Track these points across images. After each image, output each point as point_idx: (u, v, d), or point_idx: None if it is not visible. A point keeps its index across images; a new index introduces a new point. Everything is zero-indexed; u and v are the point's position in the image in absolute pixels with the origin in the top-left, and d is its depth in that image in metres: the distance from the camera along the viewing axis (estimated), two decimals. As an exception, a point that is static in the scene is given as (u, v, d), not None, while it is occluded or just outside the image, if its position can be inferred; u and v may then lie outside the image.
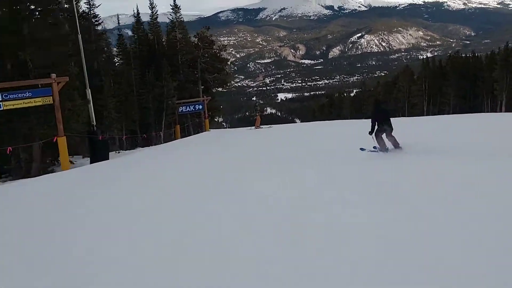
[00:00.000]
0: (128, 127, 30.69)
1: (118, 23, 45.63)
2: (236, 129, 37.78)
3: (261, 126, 27.63)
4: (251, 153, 14.89)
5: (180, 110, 33.65)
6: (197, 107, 34.51)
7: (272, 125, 28.03)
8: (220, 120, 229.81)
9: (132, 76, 31.98)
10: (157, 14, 38.21)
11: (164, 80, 30.12)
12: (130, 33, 40.45)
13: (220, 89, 40.92)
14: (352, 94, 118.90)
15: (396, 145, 11.64)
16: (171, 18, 36.83)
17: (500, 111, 58.00)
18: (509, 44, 58.63)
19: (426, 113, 72.16)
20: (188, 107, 33.98)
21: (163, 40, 37.31)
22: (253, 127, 28.23)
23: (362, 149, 12.02)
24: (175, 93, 30.95)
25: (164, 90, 29.75)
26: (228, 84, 43.26)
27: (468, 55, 74.38)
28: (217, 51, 36.61)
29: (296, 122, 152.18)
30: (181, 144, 23.55)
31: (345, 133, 18.72)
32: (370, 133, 11.68)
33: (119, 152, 23.18)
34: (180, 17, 36.74)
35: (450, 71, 69.10)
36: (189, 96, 35.20)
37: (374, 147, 11.85)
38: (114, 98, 27.67)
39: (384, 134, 11.69)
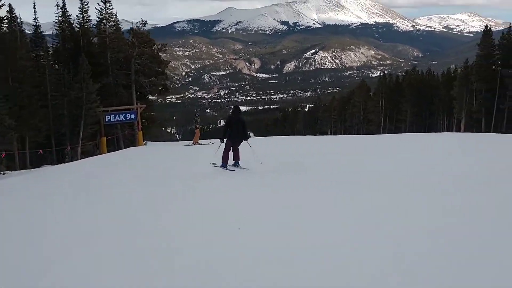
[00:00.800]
0: (34, 139, 24.47)
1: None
2: (174, 143, 32.49)
3: (200, 142, 22.25)
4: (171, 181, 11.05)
5: (106, 119, 27.75)
6: (129, 117, 28.70)
7: (214, 140, 22.65)
8: (173, 131, 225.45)
9: (46, 77, 25.82)
10: (88, 6, 32.08)
11: (83, 81, 23.94)
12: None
13: (155, 97, 34.96)
14: (306, 109, 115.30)
15: (236, 158, 11.47)
16: (98, 9, 30.71)
17: (458, 130, 55.08)
18: (469, 62, 55.96)
19: (382, 130, 68.86)
20: (117, 116, 28.11)
21: (92, 36, 31.05)
22: (190, 142, 22.83)
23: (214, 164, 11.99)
24: (98, 99, 24.77)
25: (83, 94, 23.56)
26: (169, 90, 37.24)
27: (424, 72, 71.91)
28: (156, 51, 30.54)
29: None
30: (95, 162, 17.90)
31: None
32: (221, 140, 11.82)
33: (3, 174, 17.07)
34: (111, 7, 30.61)
35: (407, 88, 66.21)
36: (118, 103, 29.30)
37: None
38: (7, 101, 21.34)
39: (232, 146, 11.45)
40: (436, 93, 65.41)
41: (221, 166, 11.50)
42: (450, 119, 64.41)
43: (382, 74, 73.50)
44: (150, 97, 35.10)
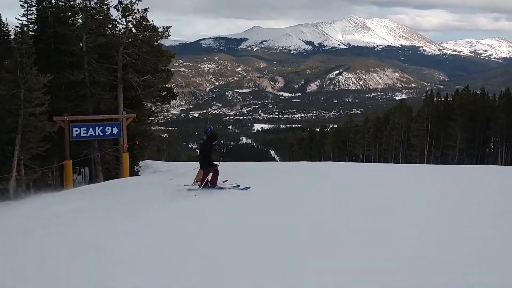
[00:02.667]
0: None
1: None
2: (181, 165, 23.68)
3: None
4: None
5: (74, 133, 18.61)
6: (109, 131, 19.53)
7: (237, 183, 13.12)
8: (194, 146, 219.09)
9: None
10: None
11: (20, 70, 14.59)
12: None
13: (155, 105, 25.44)
14: (334, 129, 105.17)
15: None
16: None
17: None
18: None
19: (426, 156, 58.41)
20: (91, 130, 18.98)
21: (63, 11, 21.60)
22: (195, 185, 13.42)
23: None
24: (47, 100, 15.29)
25: (20, 92, 14.33)
26: (176, 97, 27.92)
27: (476, 92, 61.49)
28: (155, 37, 21.08)
29: (275, 161, 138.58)
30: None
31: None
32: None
33: None
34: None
35: (458, 109, 55.87)
36: (94, 110, 20.11)
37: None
38: None
39: None
40: (492, 116, 55.14)
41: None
42: (510, 148, 53.93)
43: (428, 93, 62.96)
44: (150, 105, 25.83)
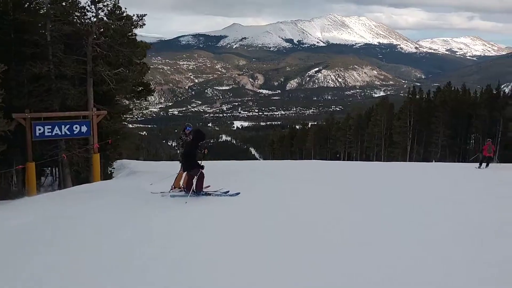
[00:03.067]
0: None
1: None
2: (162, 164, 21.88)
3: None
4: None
5: (37, 132, 16.63)
6: (77, 129, 17.57)
7: (224, 188, 11.45)
8: (173, 144, 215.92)
9: None
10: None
11: None
12: None
13: (130, 101, 23.46)
14: (314, 126, 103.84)
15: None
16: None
17: None
18: None
19: (409, 153, 57.61)
20: (56, 128, 17.00)
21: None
22: (175, 191, 11.76)
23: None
24: (1, 93, 13.36)
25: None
26: (152, 93, 25.84)
27: (458, 89, 60.92)
28: (129, 27, 19.04)
29: (256, 158, 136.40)
30: None
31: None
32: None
33: None
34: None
35: (440, 106, 55.18)
36: (60, 107, 18.10)
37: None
38: None
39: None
40: (474, 113, 54.59)
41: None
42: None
43: (411, 89, 62.14)
44: (126, 101, 23.85)
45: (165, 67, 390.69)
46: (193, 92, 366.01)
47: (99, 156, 18.88)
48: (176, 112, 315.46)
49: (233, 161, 32.68)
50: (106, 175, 22.59)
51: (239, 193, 10.83)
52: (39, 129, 16.84)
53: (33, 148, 16.97)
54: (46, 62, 17.57)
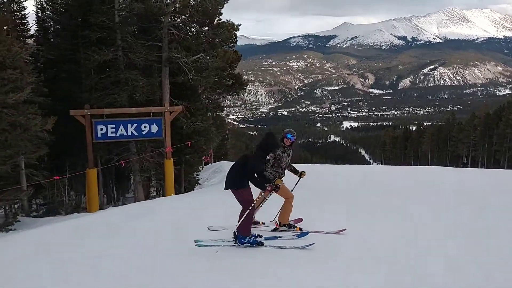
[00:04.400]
0: None
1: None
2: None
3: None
4: None
5: (98, 132, 13.51)
6: (146, 129, 14.20)
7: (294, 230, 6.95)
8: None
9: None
10: None
11: None
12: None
13: (221, 96, 19.56)
14: (431, 127, 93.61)
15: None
16: None
17: None
18: None
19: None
20: (121, 128, 13.78)
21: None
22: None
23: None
24: (31, 83, 9.83)
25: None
26: (245, 87, 21.67)
27: None
28: (212, 3, 14.96)
29: (367, 161, 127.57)
30: None
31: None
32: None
33: None
34: None
35: None
36: (128, 101, 14.82)
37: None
38: None
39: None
40: None
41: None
42: None
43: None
44: (216, 96, 20.19)
45: (275, 69, 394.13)
46: (302, 93, 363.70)
47: (182, 161, 15.28)
48: (285, 113, 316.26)
49: (343, 167, 27.61)
50: (191, 182, 19.16)
51: (314, 243, 6.14)
52: (101, 129, 13.72)
53: (94, 151, 13.89)
54: (113, 48, 14.40)
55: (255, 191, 6.50)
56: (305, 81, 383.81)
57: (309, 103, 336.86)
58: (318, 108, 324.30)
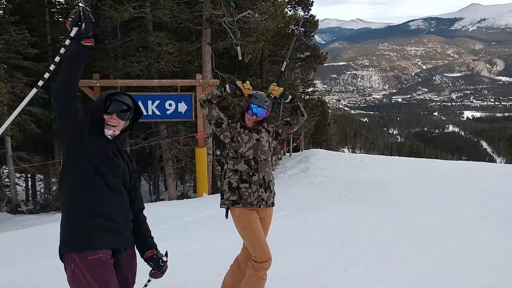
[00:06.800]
0: None
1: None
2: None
3: None
4: None
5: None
6: (170, 108, 10.73)
7: None
8: (395, 132, 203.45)
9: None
10: None
11: None
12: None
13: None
14: None
15: None
16: None
17: None
18: None
19: None
20: (141, 105, 10.69)
21: None
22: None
23: None
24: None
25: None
26: (322, 61, 16.90)
27: None
28: None
29: (489, 156, 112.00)
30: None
31: None
32: None
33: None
34: None
35: None
36: (157, 73, 11.53)
37: None
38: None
39: None
40: None
41: None
42: None
43: None
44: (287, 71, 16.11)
45: (391, 53, 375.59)
46: (419, 79, 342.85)
47: (206, 150, 11.67)
48: (399, 100, 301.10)
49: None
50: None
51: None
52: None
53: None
54: (137, 4, 11.13)
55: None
56: (423, 67, 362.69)
57: (426, 90, 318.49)
58: (436, 96, 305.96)
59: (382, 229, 5.81)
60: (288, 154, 30.61)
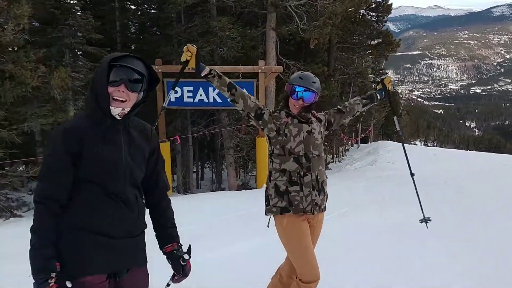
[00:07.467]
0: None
1: None
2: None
3: None
4: None
5: (172, 96, 10.20)
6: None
7: None
8: (472, 125, 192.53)
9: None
10: None
11: None
12: None
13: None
14: None
15: None
16: None
17: None
18: None
19: None
20: (201, 92, 10.25)
21: None
22: None
23: None
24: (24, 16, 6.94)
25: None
26: (395, 48, 15.65)
27: None
28: None
29: None
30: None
31: None
32: None
33: None
34: None
35: None
36: (220, 59, 11.22)
37: None
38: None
39: None
40: None
41: None
42: None
43: None
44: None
45: (471, 42, 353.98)
46: (502, 69, 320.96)
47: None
48: (479, 91, 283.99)
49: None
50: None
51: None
52: (175, 92, 10.37)
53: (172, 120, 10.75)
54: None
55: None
56: (507, 56, 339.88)
57: (509, 81, 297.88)
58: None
59: (457, 234, 5.10)
60: (356, 145, 29.57)
